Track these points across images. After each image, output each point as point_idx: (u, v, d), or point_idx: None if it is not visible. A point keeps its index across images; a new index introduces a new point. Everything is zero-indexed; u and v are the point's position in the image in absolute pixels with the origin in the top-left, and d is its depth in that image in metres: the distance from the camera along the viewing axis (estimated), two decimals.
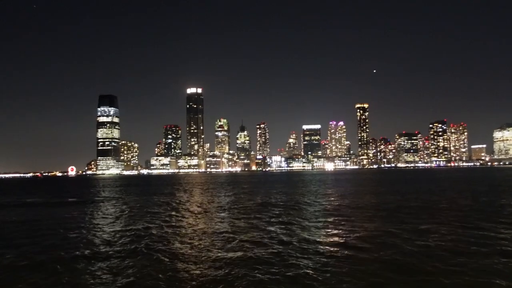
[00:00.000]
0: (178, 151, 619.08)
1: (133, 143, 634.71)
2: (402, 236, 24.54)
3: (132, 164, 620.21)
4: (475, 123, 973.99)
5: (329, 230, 27.99)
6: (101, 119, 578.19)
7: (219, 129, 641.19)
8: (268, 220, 33.77)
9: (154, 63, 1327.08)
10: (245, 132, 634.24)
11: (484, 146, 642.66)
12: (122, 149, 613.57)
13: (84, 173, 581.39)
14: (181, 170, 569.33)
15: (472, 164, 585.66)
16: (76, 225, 33.40)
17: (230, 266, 18.59)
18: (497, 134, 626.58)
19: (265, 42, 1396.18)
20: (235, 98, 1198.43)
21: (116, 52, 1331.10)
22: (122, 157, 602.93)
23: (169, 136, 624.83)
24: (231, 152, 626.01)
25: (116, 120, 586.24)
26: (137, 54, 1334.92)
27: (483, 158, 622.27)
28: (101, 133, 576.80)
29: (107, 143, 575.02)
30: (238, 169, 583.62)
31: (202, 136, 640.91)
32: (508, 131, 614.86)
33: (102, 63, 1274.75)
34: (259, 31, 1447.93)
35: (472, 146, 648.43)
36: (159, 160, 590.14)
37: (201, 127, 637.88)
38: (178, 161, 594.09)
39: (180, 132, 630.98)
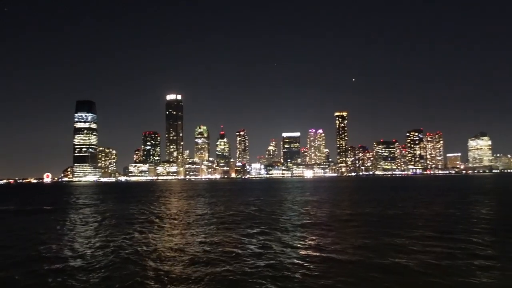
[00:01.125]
0: (157, 158, 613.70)
1: (111, 150, 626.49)
2: (379, 248, 24.99)
3: (109, 171, 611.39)
4: (450, 132, 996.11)
5: (305, 242, 28.24)
6: (78, 125, 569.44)
7: (199, 136, 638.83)
8: (245, 230, 33.88)
9: (133, 69, 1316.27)
10: (225, 139, 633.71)
11: (459, 154, 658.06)
12: (100, 156, 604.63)
13: (60, 180, 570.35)
14: (160, 177, 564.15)
15: (447, 172, 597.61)
16: (47, 234, 32.87)
17: (204, 277, 18.67)
18: (472, 143, 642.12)
19: (245, 50, 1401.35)
20: (215, 105, 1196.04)
21: (95, 58, 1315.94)
22: (99, 164, 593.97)
23: (148, 143, 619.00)
24: (210, 159, 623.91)
25: (93, 126, 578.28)
26: (116, 60, 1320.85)
27: (458, 166, 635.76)
28: (78, 139, 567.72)
29: (84, 149, 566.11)
30: (217, 176, 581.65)
31: (182, 143, 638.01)
32: (482, 140, 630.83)
33: (80, 68, 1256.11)
34: (239, 38, 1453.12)
35: (448, 155, 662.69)
36: (138, 167, 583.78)
37: (181, 134, 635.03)
38: (157, 168, 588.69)
39: (159, 138, 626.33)
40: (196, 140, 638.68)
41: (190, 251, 24.08)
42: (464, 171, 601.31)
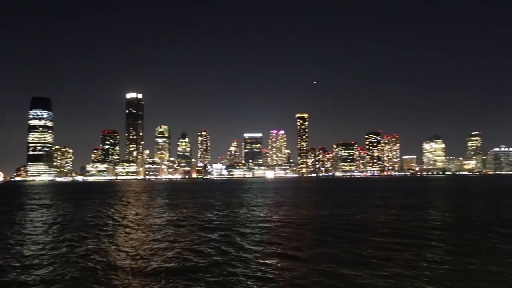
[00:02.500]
0: (116, 157, 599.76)
1: (67, 149, 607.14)
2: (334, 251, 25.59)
3: (66, 170, 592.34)
4: (406, 135, 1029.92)
5: (264, 247, 28.53)
6: (33, 122, 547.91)
7: (160, 135, 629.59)
8: (205, 235, 33.88)
9: (92, 66, 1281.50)
10: (186, 139, 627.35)
11: (415, 156, 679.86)
12: (55, 155, 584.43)
13: (12, 179, 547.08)
14: (119, 177, 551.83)
15: (403, 173, 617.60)
16: None
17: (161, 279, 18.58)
18: (426, 146, 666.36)
19: (207, 50, 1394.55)
20: (176, 104, 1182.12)
21: (52, 54, 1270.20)
22: (55, 163, 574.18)
23: (107, 142, 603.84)
24: (171, 159, 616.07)
25: (49, 124, 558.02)
26: (75, 56, 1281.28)
27: (413, 168, 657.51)
28: (32, 137, 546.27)
29: (38, 148, 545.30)
30: (178, 176, 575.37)
31: (142, 143, 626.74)
32: (436, 143, 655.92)
33: (36, 65, 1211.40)
34: (201, 38, 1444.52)
35: (404, 157, 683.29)
36: (96, 167, 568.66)
37: (141, 133, 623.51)
38: (116, 167, 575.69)
39: (118, 138, 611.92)
40: (156, 139, 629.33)
41: (144, 258, 23.74)
42: (419, 173, 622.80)
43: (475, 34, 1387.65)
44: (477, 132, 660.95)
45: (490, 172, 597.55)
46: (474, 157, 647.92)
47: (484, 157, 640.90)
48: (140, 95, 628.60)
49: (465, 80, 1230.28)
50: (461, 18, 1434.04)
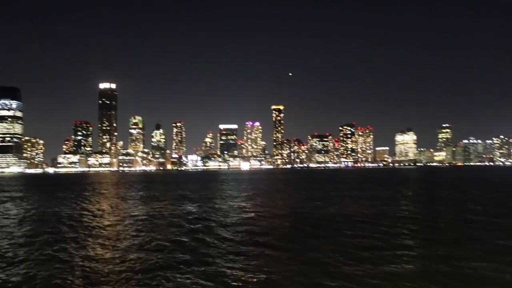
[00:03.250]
0: (89, 148, 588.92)
1: (38, 140, 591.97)
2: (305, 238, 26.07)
3: (36, 162, 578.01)
4: (379, 127, 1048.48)
5: (237, 242, 28.78)
6: (2, 112, 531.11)
7: (134, 126, 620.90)
8: (178, 224, 33.94)
9: (64, 55, 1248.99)
10: (161, 131, 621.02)
11: (387, 148, 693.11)
12: (25, 146, 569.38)
13: None
14: (92, 169, 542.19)
15: (376, 165, 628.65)
16: None
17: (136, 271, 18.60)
18: (399, 138, 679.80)
19: (182, 40, 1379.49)
20: (151, 95, 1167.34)
21: (22, 44, 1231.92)
22: (25, 155, 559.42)
23: (79, 133, 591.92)
24: (145, 150, 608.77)
25: (18, 114, 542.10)
26: (45, 45, 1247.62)
27: (386, 159, 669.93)
28: (0, 128, 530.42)
29: (7, 139, 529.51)
30: (152, 168, 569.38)
31: (115, 134, 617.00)
32: (408, 135, 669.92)
33: (5, 54, 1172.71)
34: (176, 28, 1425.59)
35: (377, 148, 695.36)
36: (67, 158, 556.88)
37: (114, 124, 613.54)
38: (88, 159, 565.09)
39: (91, 129, 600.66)
40: (130, 130, 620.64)
41: (119, 252, 23.66)
42: (391, 164, 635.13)
43: (444, 28, 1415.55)
44: (447, 125, 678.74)
45: (460, 164, 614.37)
46: (444, 148, 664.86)
47: (454, 149, 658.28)
48: (113, 86, 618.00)
49: (436, 74, 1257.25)
50: (431, 12, 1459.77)
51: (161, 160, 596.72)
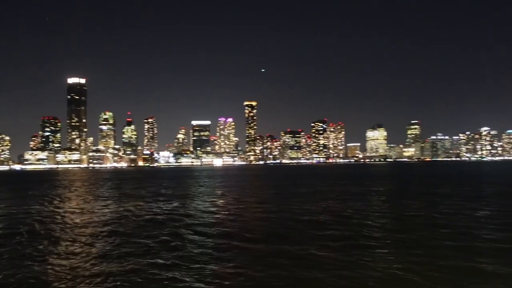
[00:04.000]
0: (57, 145, 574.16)
1: (3, 136, 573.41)
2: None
3: (2, 158, 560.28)
4: (351, 123, 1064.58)
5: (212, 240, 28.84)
6: None
7: (104, 122, 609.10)
8: (150, 222, 33.74)
9: (30, 48, 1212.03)
10: (132, 127, 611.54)
11: (358, 144, 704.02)
12: None
13: None
14: (60, 166, 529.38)
15: (347, 161, 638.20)
16: None
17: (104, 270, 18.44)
18: (369, 134, 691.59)
19: (154, 35, 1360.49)
20: (122, 91, 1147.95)
21: None
22: None
23: (47, 129, 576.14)
24: (116, 146, 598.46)
25: None
26: (10, 39, 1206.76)
27: (357, 155, 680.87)
28: None
29: None
30: (124, 164, 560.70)
31: (85, 130, 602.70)
32: (378, 131, 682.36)
33: None
34: (147, 23, 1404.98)
35: (348, 144, 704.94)
36: (35, 155, 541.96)
37: (84, 120, 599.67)
38: (57, 155, 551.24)
39: (59, 124, 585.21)
40: (100, 126, 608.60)
41: (89, 252, 23.43)
42: (362, 160, 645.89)
43: (414, 27, 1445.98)
44: (416, 121, 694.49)
45: (428, 159, 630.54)
46: (413, 144, 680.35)
47: (422, 145, 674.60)
48: (83, 81, 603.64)
49: (406, 71, 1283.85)
50: (401, 10, 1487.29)
51: (132, 156, 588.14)
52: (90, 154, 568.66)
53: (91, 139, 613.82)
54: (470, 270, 17.13)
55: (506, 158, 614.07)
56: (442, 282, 15.67)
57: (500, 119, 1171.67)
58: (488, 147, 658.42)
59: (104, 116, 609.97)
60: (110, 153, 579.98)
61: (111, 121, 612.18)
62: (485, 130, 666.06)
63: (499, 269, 17.10)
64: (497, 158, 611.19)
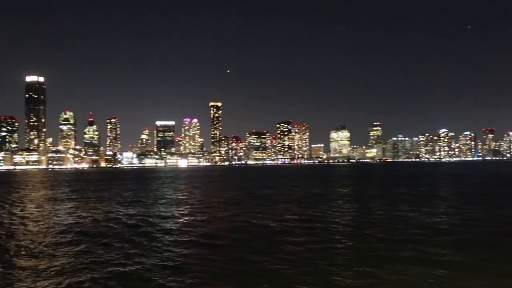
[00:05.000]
0: (14, 145, 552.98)
1: None
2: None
3: None
4: (315, 124, 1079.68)
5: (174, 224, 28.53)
6: None
7: (64, 122, 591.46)
8: (112, 223, 33.05)
9: None
10: (94, 127, 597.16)
11: (322, 145, 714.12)
12: None
13: None
14: (18, 167, 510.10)
15: (312, 161, 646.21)
16: None
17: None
18: (333, 135, 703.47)
19: (116, 32, 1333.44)
20: (83, 90, 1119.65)
21: None
22: None
23: (4, 129, 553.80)
24: (77, 147, 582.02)
25: None
26: None
27: (321, 156, 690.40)
28: None
29: None
30: (85, 165, 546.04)
31: (44, 130, 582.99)
32: (342, 132, 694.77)
33: None
34: (109, 21, 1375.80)
35: (312, 145, 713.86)
36: None
37: (43, 120, 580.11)
38: (14, 156, 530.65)
39: (17, 124, 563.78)
40: (61, 126, 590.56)
41: (47, 256, 22.69)
42: (326, 161, 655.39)
43: (381, 27, 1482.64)
44: (378, 123, 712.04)
45: (389, 160, 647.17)
46: (375, 145, 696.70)
47: (384, 146, 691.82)
48: (41, 79, 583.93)
49: (368, 73, 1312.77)
50: (365, 14, 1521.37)
51: (94, 157, 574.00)
52: (50, 155, 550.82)
53: (50, 139, 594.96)
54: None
55: (462, 159, 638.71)
56: None
57: (457, 122, 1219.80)
58: (446, 148, 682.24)
59: (65, 116, 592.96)
60: (70, 154, 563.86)
61: (71, 121, 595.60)
62: (443, 132, 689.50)
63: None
64: (454, 159, 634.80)
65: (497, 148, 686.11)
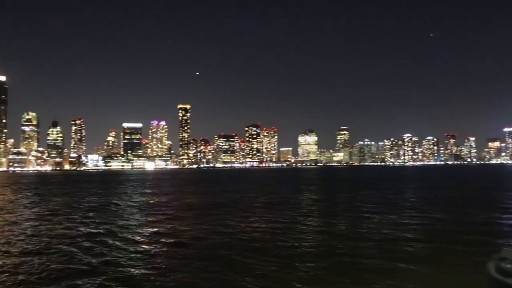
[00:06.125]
0: None
1: None
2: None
3: None
4: (283, 128, 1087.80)
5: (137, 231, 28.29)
6: None
7: (27, 123, 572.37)
8: (72, 229, 32.44)
9: None
10: (58, 128, 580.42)
11: (290, 149, 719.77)
12: None
13: None
14: None
15: (280, 165, 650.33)
16: None
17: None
18: (301, 139, 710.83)
19: (82, 33, 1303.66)
20: (46, 90, 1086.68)
21: None
22: None
23: None
24: (40, 149, 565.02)
25: None
26: None
27: (289, 159, 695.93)
28: None
29: None
30: (48, 168, 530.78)
31: (5, 131, 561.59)
32: (310, 136, 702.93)
33: None
34: (75, 20, 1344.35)
35: (281, 149, 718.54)
36: None
37: (4, 120, 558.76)
38: None
39: None
40: (23, 127, 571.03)
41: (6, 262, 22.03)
42: (294, 164, 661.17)
43: (347, 35, 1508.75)
44: (345, 127, 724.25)
45: (356, 163, 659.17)
46: (342, 149, 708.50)
47: (350, 150, 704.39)
48: (3, 78, 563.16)
49: (336, 79, 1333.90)
50: (333, 16, 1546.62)
51: (58, 159, 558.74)
52: (11, 156, 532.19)
53: (11, 140, 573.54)
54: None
55: (425, 163, 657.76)
56: None
57: (421, 127, 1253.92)
58: (410, 153, 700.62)
59: (27, 117, 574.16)
60: (33, 156, 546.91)
61: (34, 122, 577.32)
62: (407, 137, 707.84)
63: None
64: (417, 163, 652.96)
65: (458, 153, 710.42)
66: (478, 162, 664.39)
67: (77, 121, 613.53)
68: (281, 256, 20.76)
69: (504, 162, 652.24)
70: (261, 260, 19.97)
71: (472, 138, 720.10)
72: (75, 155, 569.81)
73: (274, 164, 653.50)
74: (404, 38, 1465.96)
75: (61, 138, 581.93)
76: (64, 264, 19.99)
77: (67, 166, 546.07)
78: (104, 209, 45.21)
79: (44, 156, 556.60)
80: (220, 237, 26.65)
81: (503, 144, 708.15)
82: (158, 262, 20.23)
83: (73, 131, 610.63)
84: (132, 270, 18.88)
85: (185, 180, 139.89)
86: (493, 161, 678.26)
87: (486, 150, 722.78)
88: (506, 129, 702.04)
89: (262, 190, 73.79)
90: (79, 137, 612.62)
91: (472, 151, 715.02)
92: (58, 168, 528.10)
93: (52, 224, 33.85)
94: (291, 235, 27.22)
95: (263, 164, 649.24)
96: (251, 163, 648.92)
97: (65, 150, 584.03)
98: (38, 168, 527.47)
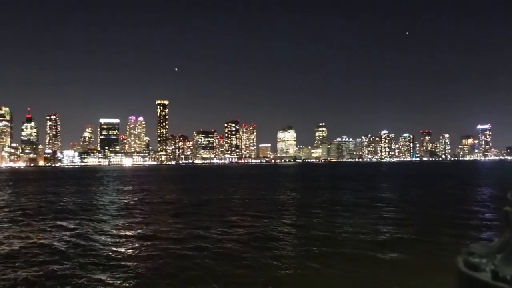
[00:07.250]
0: None
1: None
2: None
3: None
4: (263, 124, 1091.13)
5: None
6: None
7: None
8: (46, 229, 31.43)
9: None
10: (32, 123, 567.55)
11: (269, 145, 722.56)
12: None
13: None
14: None
15: (259, 161, 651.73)
16: None
17: None
18: (280, 135, 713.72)
19: (57, 25, 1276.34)
20: (20, 84, 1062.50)
21: None
22: None
23: None
24: (13, 145, 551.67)
25: None
26: None
27: (268, 155, 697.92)
28: None
29: None
30: (22, 164, 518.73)
31: None
32: (289, 132, 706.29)
33: None
34: (52, 10, 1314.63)
35: (260, 145, 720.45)
36: None
37: None
38: None
39: None
40: None
41: None
42: (273, 161, 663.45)
43: (327, 32, 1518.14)
44: (323, 124, 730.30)
45: (334, 160, 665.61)
46: (320, 146, 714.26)
47: (329, 146, 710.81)
48: None
49: (314, 75, 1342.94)
50: (313, 16, 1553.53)
51: (32, 155, 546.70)
52: None
53: None
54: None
55: (401, 159, 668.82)
56: None
57: (397, 124, 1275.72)
58: (387, 149, 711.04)
59: (0, 112, 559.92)
60: (6, 151, 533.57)
61: (7, 117, 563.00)
62: (384, 134, 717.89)
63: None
64: (394, 159, 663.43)
65: (433, 150, 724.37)
66: (452, 159, 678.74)
67: (52, 116, 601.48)
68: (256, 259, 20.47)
69: (477, 158, 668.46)
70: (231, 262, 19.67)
71: (447, 135, 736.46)
72: (50, 151, 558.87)
73: (253, 160, 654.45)
74: (381, 37, 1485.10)
75: (36, 134, 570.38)
76: (35, 269, 19.25)
77: (41, 163, 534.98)
78: (77, 209, 44.07)
79: (18, 152, 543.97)
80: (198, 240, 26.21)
81: (476, 141, 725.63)
82: (129, 265, 19.67)
83: (48, 126, 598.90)
84: (102, 275, 18.28)
85: (162, 177, 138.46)
86: (467, 158, 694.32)
87: (460, 147, 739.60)
88: (479, 127, 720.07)
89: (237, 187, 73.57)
90: (54, 132, 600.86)
91: (447, 148, 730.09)
92: (32, 165, 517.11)
93: (23, 226, 32.76)
94: (269, 238, 26.93)
95: (242, 160, 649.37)
96: (230, 159, 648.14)
97: (40, 146, 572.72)
98: (12, 164, 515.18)
